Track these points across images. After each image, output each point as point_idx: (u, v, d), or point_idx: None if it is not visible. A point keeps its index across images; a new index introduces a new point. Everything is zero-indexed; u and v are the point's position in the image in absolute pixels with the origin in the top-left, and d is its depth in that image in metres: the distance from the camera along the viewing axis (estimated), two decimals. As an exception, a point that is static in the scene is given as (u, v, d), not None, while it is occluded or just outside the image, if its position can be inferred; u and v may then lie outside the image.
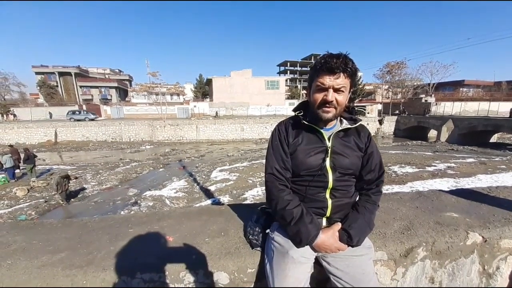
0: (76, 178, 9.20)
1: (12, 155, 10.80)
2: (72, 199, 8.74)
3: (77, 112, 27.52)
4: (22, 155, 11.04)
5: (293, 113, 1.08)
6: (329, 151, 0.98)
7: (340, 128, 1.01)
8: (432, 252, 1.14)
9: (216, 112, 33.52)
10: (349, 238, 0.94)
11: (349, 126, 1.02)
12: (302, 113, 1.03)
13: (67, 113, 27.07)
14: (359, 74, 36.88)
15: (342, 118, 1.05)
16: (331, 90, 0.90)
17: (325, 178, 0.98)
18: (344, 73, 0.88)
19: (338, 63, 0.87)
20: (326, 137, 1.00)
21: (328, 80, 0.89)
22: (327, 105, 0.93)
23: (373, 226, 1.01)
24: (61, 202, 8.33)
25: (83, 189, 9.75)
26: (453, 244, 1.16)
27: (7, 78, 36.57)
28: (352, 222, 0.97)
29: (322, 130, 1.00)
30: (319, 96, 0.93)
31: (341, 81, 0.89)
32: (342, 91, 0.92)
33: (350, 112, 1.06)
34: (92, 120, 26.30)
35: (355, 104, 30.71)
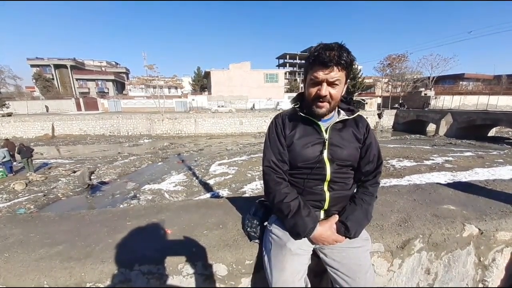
0: (94, 172, 9.52)
1: (8, 149, 10.72)
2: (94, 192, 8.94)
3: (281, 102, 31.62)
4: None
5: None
6: (327, 143, 0.97)
7: (338, 120, 1.00)
8: (429, 244, 1.15)
9: (253, 105, 33.86)
10: (347, 230, 0.94)
11: (347, 117, 1.01)
12: (299, 105, 1.02)
13: (277, 104, 32.17)
14: (359, 67, 36.68)
15: (339, 109, 1.03)
16: (324, 84, 0.89)
17: (323, 170, 0.97)
18: (338, 66, 0.85)
19: (331, 56, 0.84)
20: (323, 129, 0.98)
21: (321, 74, 0.87)
22: (321, 100, 0.91)
23: (370, 217, 1.02)
24: (88, 196, 8.51)
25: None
26: (449, 236, 1.17)
27: (3, 71, 35.74)
28: (349, 214, 0.97)
29: (319, 122, 0.99)
30: (313, 90, 0.92)
31: (335, 74, 0.86)
32: (337, 84, 0.90)
33: (348, 103, 1.05)
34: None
35: (354, 98, 30.56)
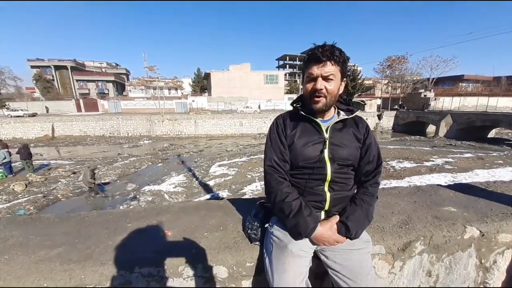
0: (95, 170, 9.44)
1: (6, 149, 10.69)
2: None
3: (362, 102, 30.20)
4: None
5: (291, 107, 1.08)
6: (327, 143, 0.98)
7: (338, 119, 1.02)
8: (430, 246, 1.15)
9: (259, 106, 34.10)
10: (347, 230, 0.94)
11: (346, 116, 1.03)
12: (300, 105, 1.03)
13: None
14: (359, 69, 36.76)
15: (339, 110, 1.05)
16: (319, 79, 0.92)
17: (323, 170, 0.97)
18: (330, 60, 0.90)
19: (323, 52, 0.89)
20: (324, 129, 1.00)
21: (316, 69, 0.91)
22: (317, 94, 0.93)
23: (371, 218, 1.01)
24: (94, 195, 8.50)
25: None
26: (450, 238, 1.16)
27: (3, 72, 35.88)
28: (350, 214, 0.97)
29: (319, 122, 1.00)
30: (309, 86, 0.95)
31: (329, 68, 0.90)
32: (331, 79, 0.92)
33: (347, 104, 1.07)
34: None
35: (354, 99, 30.66)
